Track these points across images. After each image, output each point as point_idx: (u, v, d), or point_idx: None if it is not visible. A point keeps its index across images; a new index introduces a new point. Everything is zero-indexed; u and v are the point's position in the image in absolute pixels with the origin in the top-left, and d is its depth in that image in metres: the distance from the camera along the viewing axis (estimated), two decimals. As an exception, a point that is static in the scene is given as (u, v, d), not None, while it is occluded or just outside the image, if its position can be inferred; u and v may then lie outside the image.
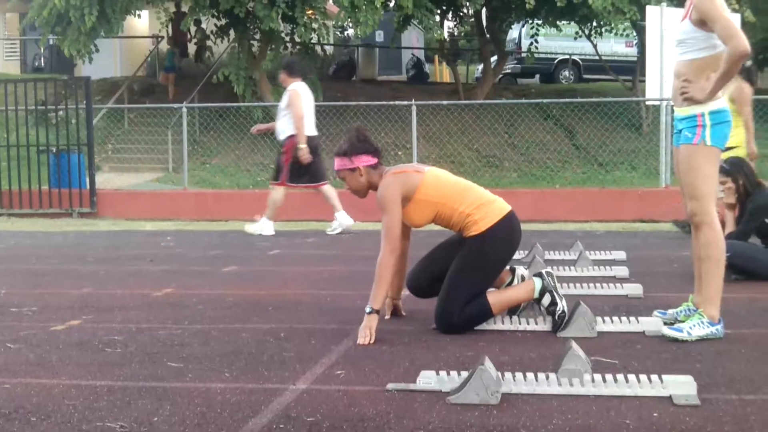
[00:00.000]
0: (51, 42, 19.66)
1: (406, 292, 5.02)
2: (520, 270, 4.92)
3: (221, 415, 3.20)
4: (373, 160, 4.66)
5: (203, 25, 20.39)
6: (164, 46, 22.59)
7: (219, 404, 3.34)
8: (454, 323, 4.51)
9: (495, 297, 4.59)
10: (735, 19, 4.33)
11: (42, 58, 27.16)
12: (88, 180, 13.45)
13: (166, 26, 21.83)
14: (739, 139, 7.97)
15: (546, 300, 4.53)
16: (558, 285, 4.61)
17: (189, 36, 23.00)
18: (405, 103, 14.59)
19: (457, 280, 4.55)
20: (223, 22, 18.70)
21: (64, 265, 7.62)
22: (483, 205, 4.59)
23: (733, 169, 6.36)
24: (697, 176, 4.33)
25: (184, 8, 17.05)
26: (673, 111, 4.60)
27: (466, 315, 4.53)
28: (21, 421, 3.17)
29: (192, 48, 23.18)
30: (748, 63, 7.99)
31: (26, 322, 5.03)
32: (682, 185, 4.51)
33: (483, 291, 4.61)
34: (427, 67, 28.76)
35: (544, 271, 4.65)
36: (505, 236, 4.59)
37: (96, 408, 3.31)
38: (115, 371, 3.87)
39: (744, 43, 4.08)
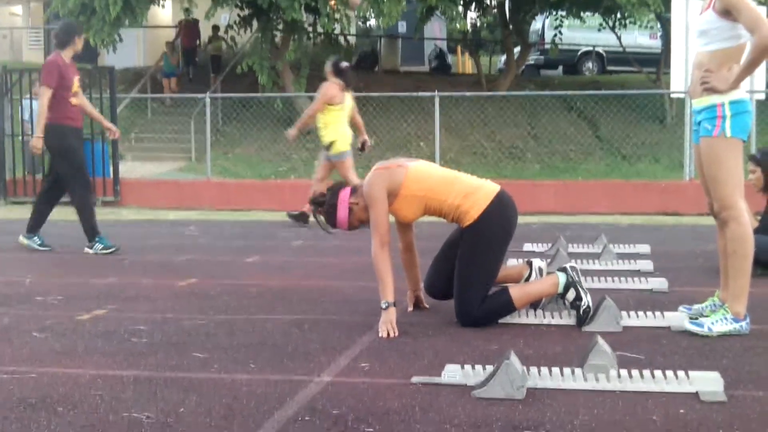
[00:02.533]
0: (75, 31, 19.74)
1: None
2: (537, 262, 4.91)
3: (247, 407, 3.21)
4: (347, 190, 4.68)
5: (226, 16, 20.37)
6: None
7: (245, 395, 3.35)
8: (475, 317, 4.51)
9: (518, 291, 4.57)
10: (761, 11, 4.25)
11: (66, 48, 27.27)
12: (111, 169, 13.52)
13: (177, 29, 21.86)
14: None
15: (571, 295, 4.51)
16: (582, 279, 4.59)
17: (199, 42, 22.73)
18: (428, 94, 14.58)
19: (466, 275, 4.53)
20: (247, 12, 18.72)
21: (89, 255, 7.65)
22: (470, 194, 4.56)
23: (764, 158, 6.24)
24: (720, 170, 4.25)
25: (206, 0, 17.03)
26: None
27: (488, 309, 4.52)
28: (48, 410, 3.19)
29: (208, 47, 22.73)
30: None
31: (52, 311, 5.06)
32: (704, 181, 4.45)
33: (494, 277, 4.61)
34: (450, 58, 28.66)
35: (568, 266, 4.63)
36: (499, 217, 4.56)
37: (122, 398, 3.33)
38: (140, 361, 3.89)
39: None
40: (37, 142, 7.61)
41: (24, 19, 29.53)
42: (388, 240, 4.49)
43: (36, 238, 8.01)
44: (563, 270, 4.60)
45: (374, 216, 4.50)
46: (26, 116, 13.99)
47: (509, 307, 4.56)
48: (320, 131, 9.58)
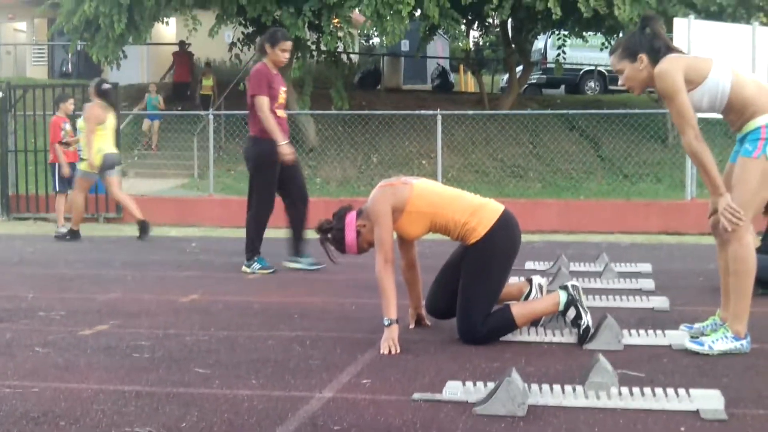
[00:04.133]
0: (79, 48, 19.80)
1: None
2: (537, 279, 4.92)
3: (248, 422, 3.22)
4: (353, 213, 4.68)
5: (230, 34, 20.44)
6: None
7: (246, 411, 3.36)
8: (478, 336, 4.51)
9: (519, 309, 4.58)
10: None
11: (69, 64, 27.41)
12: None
13: (171, 69, 21.13)
14: None
15: (571, 314, 4.52)
16: (584, 298, 4.60)
17: (192, 77, 21.55)
18: (430, 112, 14.62)
19: (470, 292, 4.54)
20: (250, 29, 18.81)
21: (90, 270, 7.68)
22: (476, 211, 4.58)
23: None
24: (746, 189, 4.20)
25: (210, 18, 17.09)
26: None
27: (490, 327, 4.53)
28: (50, 425, 3.20)
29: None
30: None
31: (54, 327, 5.08)
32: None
33: (497, 295, 4.62)
34: (452, 77, 28.75)
35: (569, 284, 4.64)
36: (505, 236, 4.57)
37: (124, 413, 3.34)
38: (142, 376, 3.90)
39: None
40: (284, 149, 7.19)
41: (28, 35, 29.68)
42: (392, 257, 4.50)
43: (305, 258, 7.65)
44: (564, 288, 4.61)
45: (379, 232, 4.51)
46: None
47: (511, 325, 4.57)
48: (87, 152, 10.23)
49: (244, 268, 7.50)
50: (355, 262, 7.64)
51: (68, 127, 11.61)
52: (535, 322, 4.74)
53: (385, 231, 4.51)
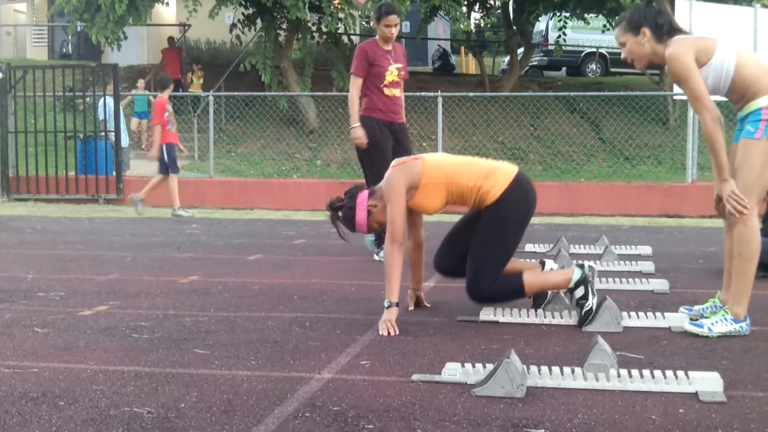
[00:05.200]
0: (79, 29, 19.73)
1: (427, 283, 5.03)
2: (550, 263, 4.91)
3: (247, 402, 3.22)
4: (365, 193, 4.68)
5: (230, 15, 20.34)
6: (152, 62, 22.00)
7: (245, 392, 3.36)
8: (484, 295, 4.56)
9: (531, 277, 4.58)
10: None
11: (69, 45, 27.35)
12: (114, 167, 13.55)
13: (160, 64, 20.45)
14: None
15: (579, 292, 4.51)
16: (596, 281, 4.58)
17: (182, 73, 20.26)
18: (431, 94, 14.59)
19: (482, 252, 4.56)
20: (251, 11, 18.74)
21: (90, 251, 7.68)
22: (491, 174, 4.57)
23: None
24: (750, 171, 4.18)
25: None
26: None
27: (498, 290, 4.56)
28: (49, 404, 3.20)
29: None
30: None
31: (54, 307, 5.08)
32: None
33: (509, 257, 4.63)
34: (454, 59, 28.69)
35: (587, 264, 4.63)
36: (519, 197, 4.57)
37: (123, 393, 3.34)
38: (141, 357, 3.90)
39: None
40: (354, 132, 6.93)
41: (28, 16, 29.61)
42: (401, 238, 4.48)
43: None
44: (581, 267, 4.60)
45: (391, 212, 4.50)
46: (101, 115, 14.08)
47: (519, 292, 4.58)
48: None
49: (375, 257, 7.11)
50: (354, 244, 7.66)
51: (171, 108, 11.52)
52: (537, 304, 4.75)
53: (398, 211, 4.50)
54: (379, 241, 7.03)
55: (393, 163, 4.70)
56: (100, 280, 6.07)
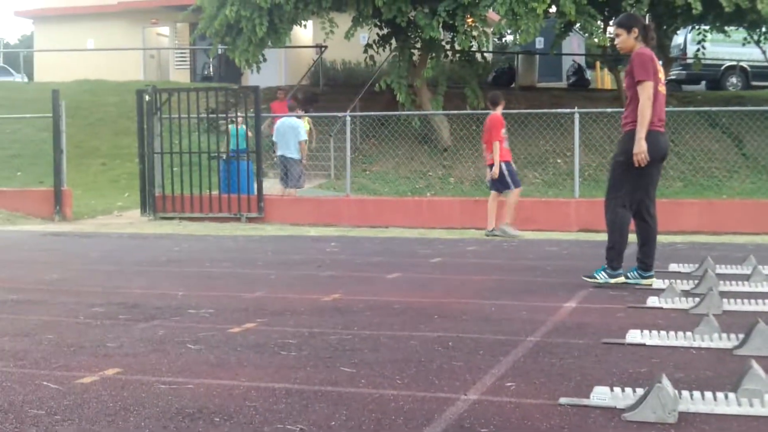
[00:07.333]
0: (220, 51, 20.37)
1: (568, 303, 4.96)
2: None
3: (395, 422, 3.26)
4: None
5: (365, 35, 20.60)
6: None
7: (393, 411, 3.40)
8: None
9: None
10: None
11: (211, 67, 28.27)
12: (256, 186, 13.92)
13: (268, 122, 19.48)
14: None
15: None
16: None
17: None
18: (568, 111, 14.44)
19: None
20: (385, 31, 18.98)
21: (236, 269, 7.91)
22: None
23: None
24: None
25: (347, 20, 17.30)
26: None
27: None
28: (205, 421, 3.31)
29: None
30: None
31: (204, 324, 5.25)
32: None
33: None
34: (588, 74, 28.29)
35: None
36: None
37: (275, 410, 3.43)
38: (291, 374, 4.00)
39: None
40: (638, 146, 6.40)
41: (170, 39, 30.76)
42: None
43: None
44: None
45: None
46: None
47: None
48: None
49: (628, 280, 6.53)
50: (491, 263, 7.64)
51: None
52: (685, 328, 4.66)
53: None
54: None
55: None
56: (246, 297, 6.25)
